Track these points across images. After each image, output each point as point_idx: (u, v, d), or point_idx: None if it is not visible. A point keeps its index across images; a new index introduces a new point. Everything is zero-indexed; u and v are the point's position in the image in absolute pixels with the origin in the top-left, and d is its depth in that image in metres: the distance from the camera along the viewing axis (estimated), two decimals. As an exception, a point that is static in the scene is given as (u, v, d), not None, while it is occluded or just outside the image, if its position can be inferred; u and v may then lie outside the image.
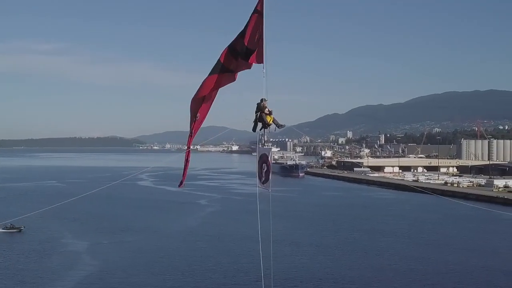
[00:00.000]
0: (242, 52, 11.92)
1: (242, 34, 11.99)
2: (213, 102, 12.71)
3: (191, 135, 12.81)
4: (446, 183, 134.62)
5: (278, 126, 13.20)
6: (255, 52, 11.90)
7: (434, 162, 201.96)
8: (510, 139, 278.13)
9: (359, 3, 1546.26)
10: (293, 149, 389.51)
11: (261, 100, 12.76)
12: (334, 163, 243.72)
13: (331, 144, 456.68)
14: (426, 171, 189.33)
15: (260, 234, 15.44)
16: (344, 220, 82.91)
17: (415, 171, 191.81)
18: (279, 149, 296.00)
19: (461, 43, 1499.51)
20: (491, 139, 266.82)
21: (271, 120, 12.91)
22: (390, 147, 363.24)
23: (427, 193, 78.50)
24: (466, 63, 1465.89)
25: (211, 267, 50.51)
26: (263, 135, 13.35)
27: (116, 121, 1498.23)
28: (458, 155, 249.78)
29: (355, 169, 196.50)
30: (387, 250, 59.24)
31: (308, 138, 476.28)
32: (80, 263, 52.25)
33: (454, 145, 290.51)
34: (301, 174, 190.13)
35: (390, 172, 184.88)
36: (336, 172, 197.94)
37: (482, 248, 61.04)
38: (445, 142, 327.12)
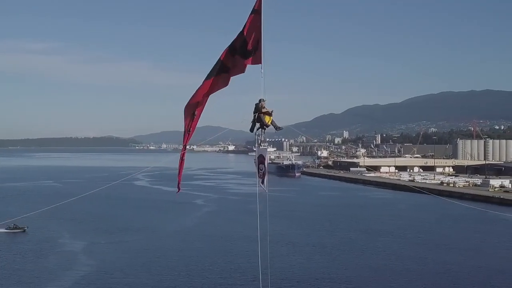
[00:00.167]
0: (242, 51, 11.93)
1: (241, 34, 11.99)
2: (203, 108, 12.69)
3: (188, 133, 12.70)
4: (442, 183, 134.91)
5: (276, 128, 13.20)
6: (253, 54, 11.91)
7: (430, 162, 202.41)
8: (506, 139, 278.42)
9: (358, 3, 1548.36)
10: (289, 149, 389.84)
11: (260, 100, 12.74)
12: (330, 163, 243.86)
13: (327, 144, 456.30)
14: (422, 171, 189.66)
15: (259, 234, 15.44)
16: (341, 220, 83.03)
17: (411, 171, 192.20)
18: (275, 149, 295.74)
19: (457, 43, 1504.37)
20: (487, 139, 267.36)
21: (270, 121, 12.88)
22: (386, 147, 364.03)
23: (425, 193, 78.39)
24: (462, 63, 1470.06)
25: (207, 267, 50.56)
26: (260, 135, 13.30)
27: (112, 121, 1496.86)
28: (454, 155, 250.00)
29: (351, 169, 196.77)
30: (384, 250, 59.37)
31: (304, 138, 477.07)
32: (80, 263, 52.42)
33: (450, 145, 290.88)
34: (297, 174, 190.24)
35: (386, 172, 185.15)
36: (333, 172, 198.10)
37: (478, 248, 61.28)
38: (441, 142, 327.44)
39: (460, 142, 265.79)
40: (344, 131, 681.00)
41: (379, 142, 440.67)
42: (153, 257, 54.39)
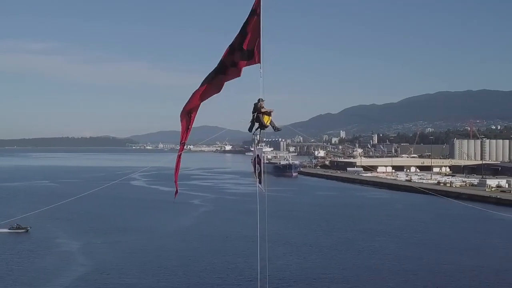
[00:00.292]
0: (240, 51, 11.93)
1: (241, 34, 11.99)
2: (197, 113, 12.73)
3: (186, 131, 12.69)
4: (439, 183, 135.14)
5: (275, 129, 13.17)
6: (251, 55, 11.91)
7: (427, 162, 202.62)
8: (502, 139, 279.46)
9: (357, 3, 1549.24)
10: (286, 148, 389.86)
11: (258, 100, 12.70)
12: (327, 162, 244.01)
13: (324, 144, 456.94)
14: (419, 170, 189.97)
15: (258, 234, 15.44)
16: (338, 219, 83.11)
17: (408, 170, 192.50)
18: (272, 149, 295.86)
19: (453, 44, 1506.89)
20: (484, 139, 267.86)
21: (269, 122, 12.84)
22: (383, 147, 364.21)
23: (429, 193, 77.11)
24: (458, 63, 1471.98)
25: (205, 267, 50.53)
26: (257, 135, 13.27)
27: (109, 121, 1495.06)
28: (451, 155, 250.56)
29: (348, 169, 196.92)
30: (381, 249, 59.43)
31: (301, 138, 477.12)
32: (80, 263, 52.51)
33: (447, 145, 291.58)
34: (294, 174, 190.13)
35: (383, 172, 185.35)
36: (329, 172, 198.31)
37: (476, 247, 61.38)
38: (438, 142, 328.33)
39: (457, 142, 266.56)
40: (341, 131, 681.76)
41: (376, 142, 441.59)
42: (150, 257, 54.38)
